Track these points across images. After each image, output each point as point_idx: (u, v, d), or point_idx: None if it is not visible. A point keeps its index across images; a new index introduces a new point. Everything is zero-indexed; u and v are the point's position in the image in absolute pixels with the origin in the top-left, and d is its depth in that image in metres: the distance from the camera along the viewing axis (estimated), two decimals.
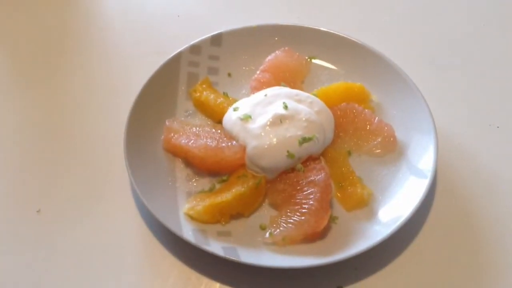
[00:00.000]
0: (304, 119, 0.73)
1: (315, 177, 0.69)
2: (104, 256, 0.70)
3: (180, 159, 0.76)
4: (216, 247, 0.65)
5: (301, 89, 0.82)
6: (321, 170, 0.70)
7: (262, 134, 0.72)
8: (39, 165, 0.78)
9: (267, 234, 0.67)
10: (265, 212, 0.71)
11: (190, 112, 0.82)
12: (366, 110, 0.79)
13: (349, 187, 0.72)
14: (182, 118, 0.81)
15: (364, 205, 0.71)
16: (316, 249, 0.67)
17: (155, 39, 0.96)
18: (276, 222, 0.68)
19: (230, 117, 0.76)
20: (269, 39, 0.88)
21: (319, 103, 0.77)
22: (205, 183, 0.74)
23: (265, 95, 0.77)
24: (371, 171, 0.75)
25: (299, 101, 0.76)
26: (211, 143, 0.73)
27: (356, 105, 0.79)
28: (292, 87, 0.81)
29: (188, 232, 0.66)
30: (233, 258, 0.63)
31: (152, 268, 0.69)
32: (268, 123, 0.72)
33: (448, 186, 0.75)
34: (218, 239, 0.67)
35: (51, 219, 0.73)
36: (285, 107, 0.74)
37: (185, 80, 0.84)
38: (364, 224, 0.69)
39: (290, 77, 0.84)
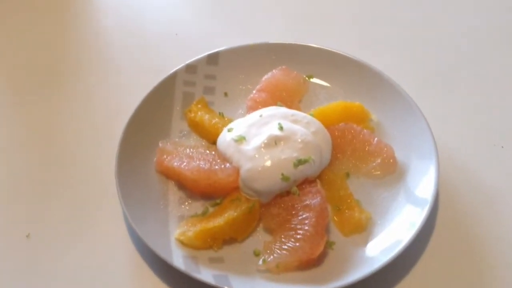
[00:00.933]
0: (300, 140, 0.71)
1: (310, 201, 0.67)
2: (94, 282, 0.68)
3: (173, 182, 0.74)
4: (207, 275, 0.63)
5: (298, 109, 0.81)
6: (317, 194, 0.67)
7: (256, 156, 0.69)
8: (28, 189, 0.77)
9: (261, 261, 0.65)
10: (260, 237, 0.69)
11: (185, 132, 0.80)
12: (365, 130, 0.76)
13: (346, 211, 0.69)
14: (177, 139, 0.79)
15: (362, 230, 0.68)
16: (311, 276, 0.64)
17: (152, 58, 0.95)
18: (270, 248, 0.65)
19: (225, 138, 0.74)
20: (266, 58, 0.86)
21: (316, 124, 0.74)
22: (198, 206, 0.72)
23: (260, 116, 0.75)
24: (370, 193, 0.72)
25: (295, 121, 0.74)
26: (203, 166, 0.71)
27: (355, 125, 0.76)
28: (289, 107, 0.79)
29: (178, 259, 0.64)
30: (223, 287, 0.61)
31: None
32: (263, 144, 0.70)
33: (450, 209, 0.72)
34: (209, 266, 0.65)
35: (41, 243, 0.71)
36: (280, 128, 0.72)
37: (181, 100, 0.83)
38: (362, 250, 0.67)
39: (287, 96, 0.82)
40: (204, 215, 0.70)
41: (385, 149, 0.75)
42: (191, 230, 0.66)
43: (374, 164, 0.74)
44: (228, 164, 0.71)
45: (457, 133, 0.82)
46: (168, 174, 0.74)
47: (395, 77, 0.80)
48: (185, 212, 0.71)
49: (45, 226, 0.72)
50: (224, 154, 0.72)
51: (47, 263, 0.69)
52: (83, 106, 0.87)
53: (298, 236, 0.64)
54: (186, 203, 0.72)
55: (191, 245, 0.66)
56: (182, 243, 0.66)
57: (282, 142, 0.70)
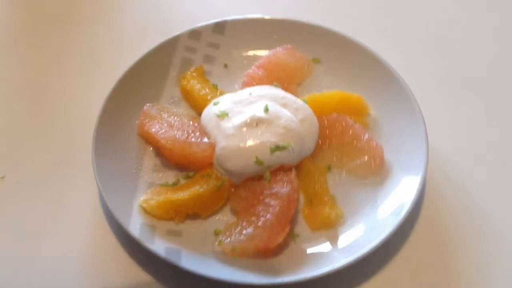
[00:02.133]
0: (282, 125, 0.68)
1: (280, 189, 0.64)
2: (57, 230, 0.68)
3: (151, 148, 0.73)
4: (159, 246, 0.62)
5: (295, 92, 0.77)
6: (288, 183, 0.65)
7: (234, 135, 0.67)
8: (6, 131, 0.77)
9: (217, 242, 0.63)
10: (225, 218, 0.67)
11: (176, 99, 0.78)
12: (357, 125, 0.72)
13: (318, 205, 0.66)
14: (166, 105, 0.77)
15: (331, 227, 0.65)
16: (266, 266, 0.62)
17: (162, 19, 0.93)
18: (230, 230, 0.63)
19: (209, 111, 0.71)
20: (275, 34, 0.83)
21: (306, 111, 0.71)
22: (170, 176, 0.70)
23: (250, 94, 0.72)
24: (349, 191, 0.69)
25: (285, 105, 0.71)
26: (180, 136, 0.69)
27: (347, 118, 0.72)
28: (286, 88, 0.76)
29: (135, 225, 0.63)
30: (172, 261, 0.60)
31: (99, 253, 0.66)
32: (243, 124, 0.68)
33: (430, 224, 0.68)
34: (165, 238, 0.64)
35: (15, 185, 0.72)
36: (266, 110, 0.69)
37: (178, 65, 0.81)
38: (325, 247, 0.64)
39: (286, 77, 0.78)
40: (173, 186, 0.68)
41: (375, 148, 0.70)
42: (155, 199, 0.65)
43: (359, 161, 0.70)
44: (206, 139, 0.69)
45: (458, 145, 0.76)
46: (147, 139, 0.72)
47: (405, 75, 0.75)
48: (156, 180, 0.70)
49: (20, 170, 0.73)
50: (205, 127, 0.70)
51: (19, 205, 0.70)
52: (81, 57, 0.87)
53: (259, 223, 0.62)
54: (160, 171, 0.71)
55: (152, 214, 0.65)
56: (145, 210, 0.66)
57: (264, 125, 0.68)
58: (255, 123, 0.68)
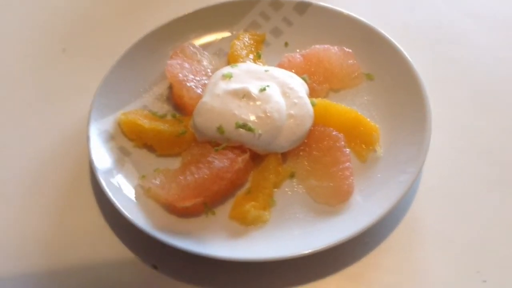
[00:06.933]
0: (265, 110, 0.65)
1: (216, 162, 0.63)
2: None
3: None
4: (102, 148, 0.67)
5: (323, 94, 0.73)
6: (228, 161, 0.63)
7: (219, 96, 0.67)
8: None
9: (142, 175, 0.66)
10: (177, 162, 0.68)
11: (222, 52, 0.80)
12: (347, 151, 0.65)
13: (249, 198, 0.63)
14: (209, 53, 0.79)
15: (245, 223, 0.62)
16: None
17: None
18: (161, 173, 0.65)
19: (223, 69, 0.72)
20: (351, 34, 0.77)
21: (303, 110, 0.67)
22: (165, 109, 0.74)
23: (266, 71, 0.70)
24: (291, 204, 0.64)
25: (285, 94, 0.68)
26: (183, 77, 0.72)
27: (341, 140, 0.66)
28: (315, 87, 0.73)
29: (102, 124, 0.69)
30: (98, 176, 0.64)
31: None
32: (233, 91, 0.67)
33: None
34: (114, 148, 0.68)
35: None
36: (262, 89, 0.67)
37: (246, 25, 0.82)
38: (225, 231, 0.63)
39: (322, 76, 0.74)
40: (155, 115, 0.72)
41: (347, 182, 0.63)
42: (129, 116, 0.70)
43: (324, 185, 0.64)
44: (200, 89, 0.71)
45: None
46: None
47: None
48: (150, 105, 0.74)
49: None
50: (209, 81, 0.71)
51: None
52: None
53: (179, 179, 0.63)
54: (160, 101, 0.75)
55: (121, 127, 0.70)
56: (119, 121, 0.71)
57: (249, 101, 0.66)
58: (242, 95, 0.66)
